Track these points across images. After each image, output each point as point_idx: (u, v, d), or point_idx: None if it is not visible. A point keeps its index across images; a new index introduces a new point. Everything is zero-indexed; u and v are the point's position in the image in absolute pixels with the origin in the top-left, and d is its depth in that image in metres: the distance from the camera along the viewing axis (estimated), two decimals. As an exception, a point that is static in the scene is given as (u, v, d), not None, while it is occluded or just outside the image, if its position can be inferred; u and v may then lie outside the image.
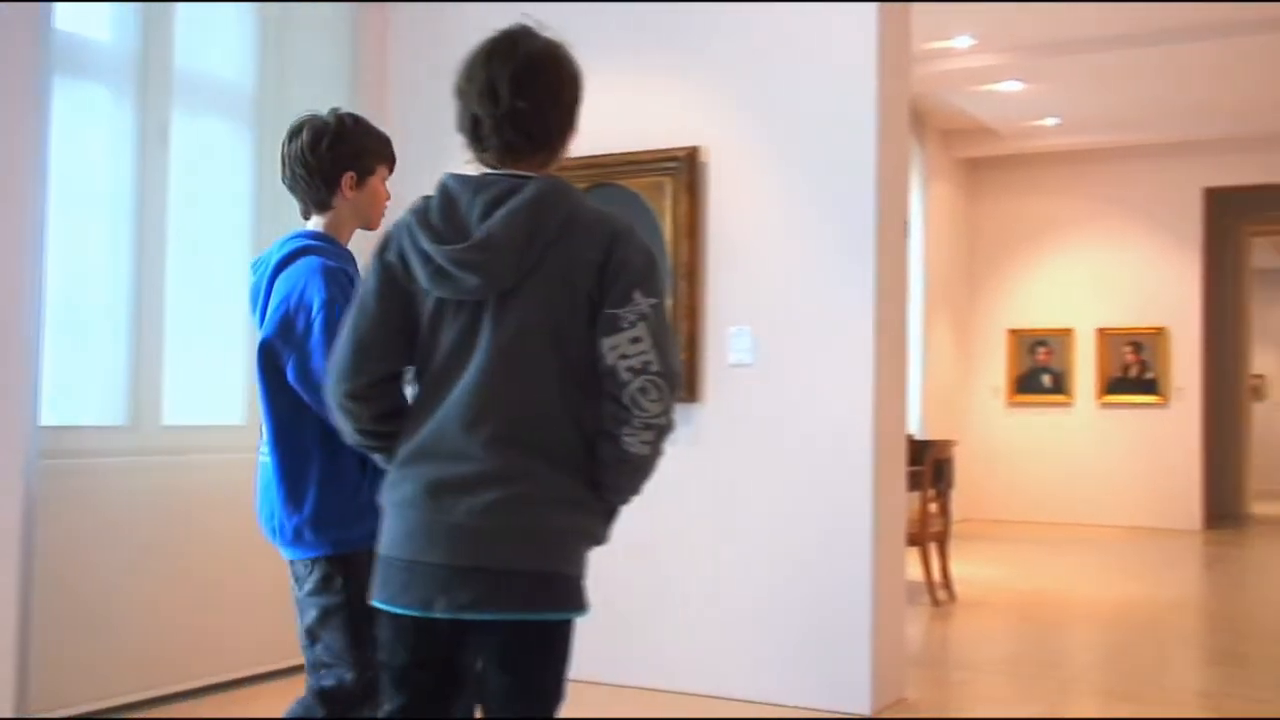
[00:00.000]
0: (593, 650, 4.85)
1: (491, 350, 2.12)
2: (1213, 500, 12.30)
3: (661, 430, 2.18)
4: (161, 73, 4.95)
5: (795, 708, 4.82)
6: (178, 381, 5.03)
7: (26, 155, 4.34)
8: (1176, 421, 11.78)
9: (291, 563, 2.82)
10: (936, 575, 7.38)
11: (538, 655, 2.19)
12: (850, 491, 4.83)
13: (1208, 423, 11.99)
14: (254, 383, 2.85)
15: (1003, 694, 5.39)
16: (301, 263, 2.81)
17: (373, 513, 2.41)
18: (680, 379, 2.21)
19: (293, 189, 2.96)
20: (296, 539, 2.76)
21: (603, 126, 5.38)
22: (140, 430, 4.87)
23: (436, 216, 2.18)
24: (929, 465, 7.10)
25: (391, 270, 2.20)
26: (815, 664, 4.86)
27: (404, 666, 2.21)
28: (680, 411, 5.25)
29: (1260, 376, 17.54)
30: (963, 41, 8.91)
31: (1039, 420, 12.29)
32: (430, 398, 2.17)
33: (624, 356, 2.11)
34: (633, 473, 2.20)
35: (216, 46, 5.30)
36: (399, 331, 2.19)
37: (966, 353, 12.50)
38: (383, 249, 2.22)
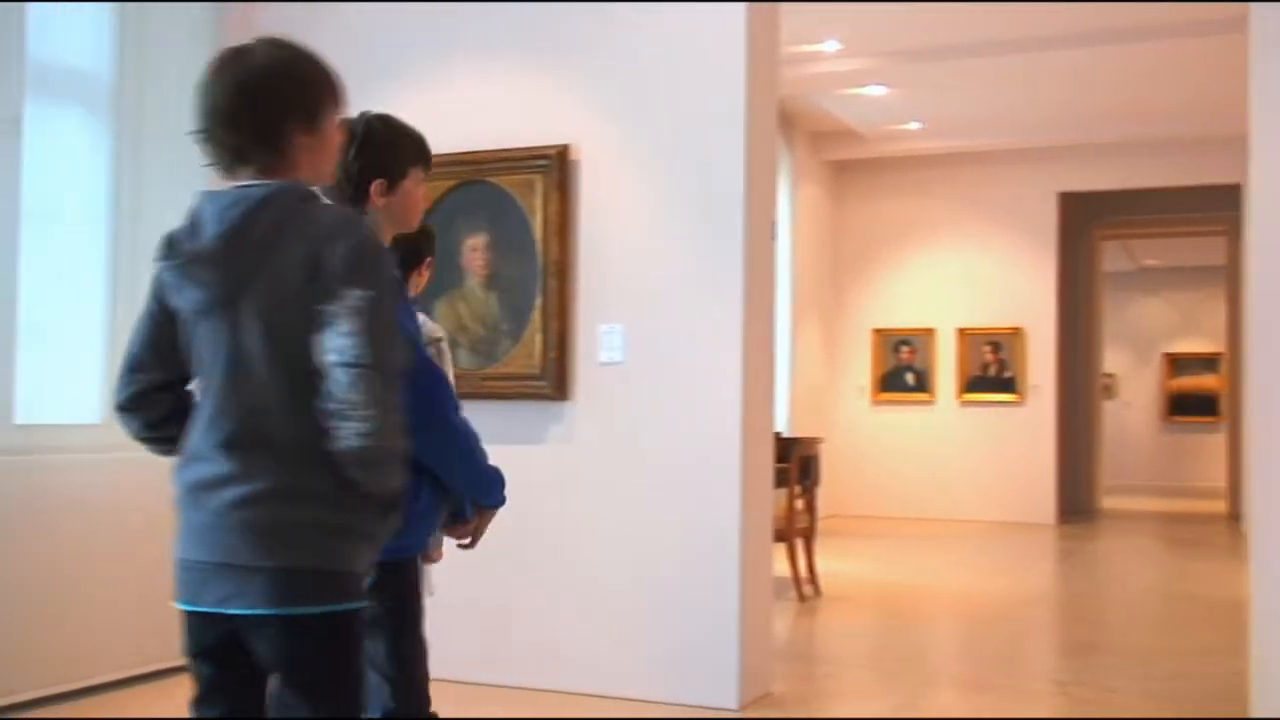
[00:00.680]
0: (461, 649, 4.83)
1: (226, 357, 2.21)
2: (1066, 495, 12.70)
3: (374, 422, 2.11)
4: (14, 63, 4.78)
5: (663, 703, 4.84)
6: (31, 380, 4.86)
7: None
8: (1033, 419, 12.13)
9: None
10: (803, 571, 7.49)
11: (305, 652, 2.19)
12: (718, 488, 4.87)
13: (1062, 420, 12.37)
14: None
15: (866, 687, 5.50)
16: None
17: (425, 521, 2.59)
18: (393, 373, 2.15)
19: (324, 195, 2.85)
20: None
21: (473, 123, 5.36)
22: (-10, 429, 4.71)
23: (183, 232, 2.25)
24: (796, 462, 7.19)
25: (160, 286, 2.29)
26: (683, 659, 4.89)
27: (193, 659, 2.27)
28: (551, 409, 5.27)
29: (1111, 375, 18.18)
30: (830, 45, 9.05)
31: (902, 418, 12.55)
32: (199, 405, 2.27)
33: (336, 351, 2.13)
34: (362, 466, 2.15)
35: (72, 40, 5.15)
36: (164, 345, 2.29)
37: (833, 352, 12.70)
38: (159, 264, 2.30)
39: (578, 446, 5.11)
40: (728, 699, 4.82)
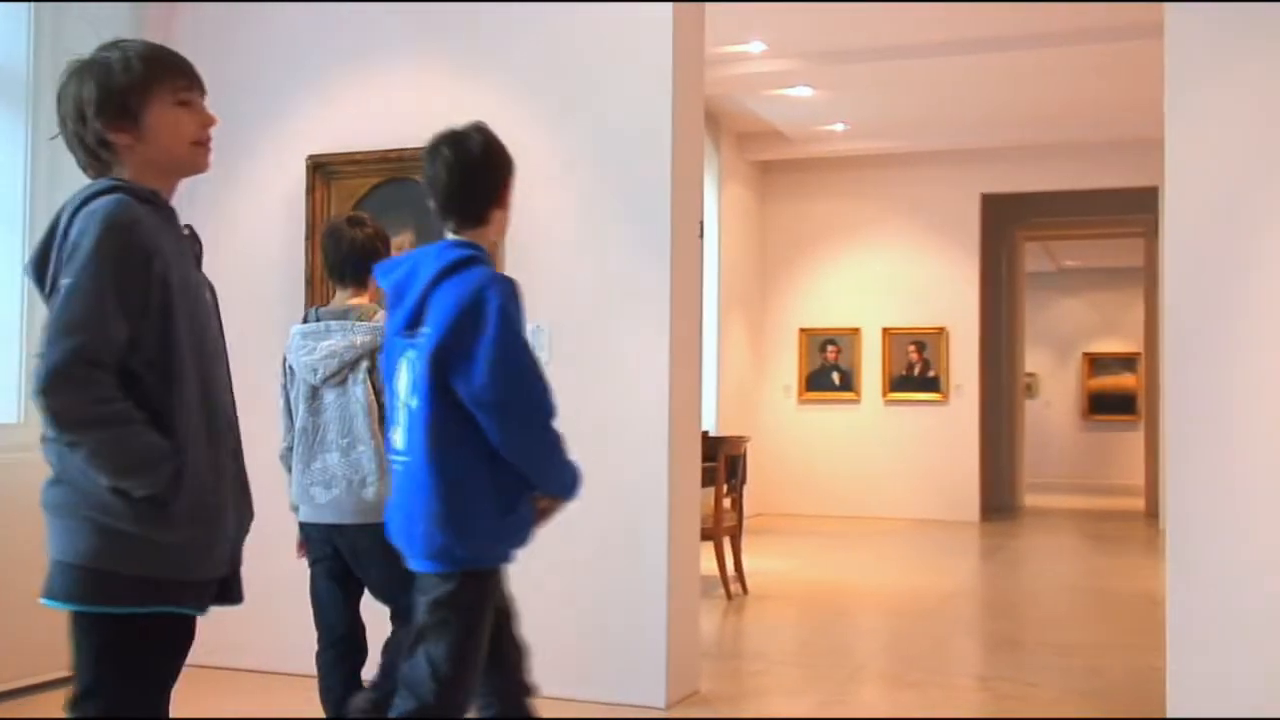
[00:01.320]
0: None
1: None
2: (989, 493, 12.86)
3: (57, 419, 2.10)
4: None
5: (590, 702, 4.84)
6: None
7: None
8: (956, 418, 12.26)
9: (425, 575, 2.81)
10: (730, 569, 7.52)
11: (71, 645, 2.25)
12: (645, 487, 4.87)
13: (984, 419, 12.52)
14: (411, 390, 2.83)
15: (793, 684, 5.53)
16: (472, 274, 2.79)
17: (517, 533, 2.72)
18: (57, 371, 2.08)
19: (443, 203, 2.91)
20: (442, 554, 2.76)
21: (399, 122, 5.32)
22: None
23: None
24: (723, 461, 7.22)
25: None
26: (610, 658, 4.89)
27: None
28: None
29: (1032, 375, 18.44)
30: (755, 46, 9.09)
31: (828, 417, 12.63)
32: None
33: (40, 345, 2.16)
34: (87, 463, 2.14)
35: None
36: None
37: (759, 351, 12.76)
38: None
39: (504, 446, 5.08)
40: (655, 697, 4.82)
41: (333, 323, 3.73)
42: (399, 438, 2.87)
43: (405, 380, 2.85)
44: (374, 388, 3.66)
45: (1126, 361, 18.85)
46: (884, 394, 12.47)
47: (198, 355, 2.29)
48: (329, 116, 5.48)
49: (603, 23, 5.06)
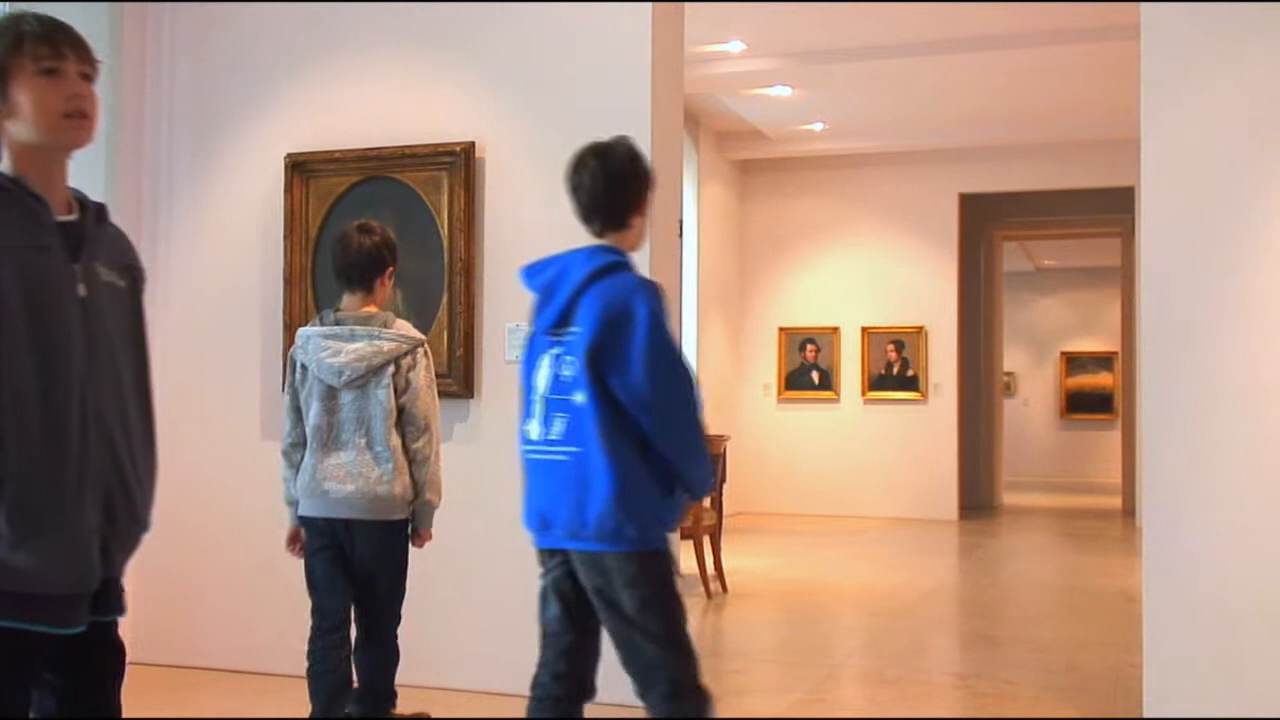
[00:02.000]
0: (366, 651, 4.77)
1: None
2: (967, 491, 12.90)
3: None
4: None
5: (571, 702, 4.83)
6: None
7: None
8: (935, 417, 12.30)
9: (593, 557, 2.96)
10: (709, 568, 7.53)
11: None
12: (626, 487, 4.87)
13: (963, 418, 12.56)
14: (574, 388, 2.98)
15: (772, 682, 5.54)
16: (621, 278, 3.00)
17: (674, 514, 2.93)
18: None
19: (592, 206, 3.10)
20: (617, 535, 2.91)
21: (378, 120, 5.32)
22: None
23: None
24: (702, 460, 7.22)
25: None
26: (591, 658, 4.88)
27: None
28: (458, 407, 5.24)
29: (1010, 374, 18.52)
30: (735, 46, 9.10)
31: (807, 416, 12.65)
32: None
33: None
34: None
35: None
36: None
37: (738, 350, 12.77)
38: None
39: (484, 444, 5.08)
40: (634, 695, 4.82)
41: (358, 328, 3.87)
42: (536, 429, 3.05)
43: (545, 375, 3.04)
44: (394, 391, 3.83)
45: (1103, 361, 18.95)
46: (863, 393, 12.50)
47: (40, 353, 2.13)
48: (307, 115, 5.46)
49: (581, 22, 5.06)
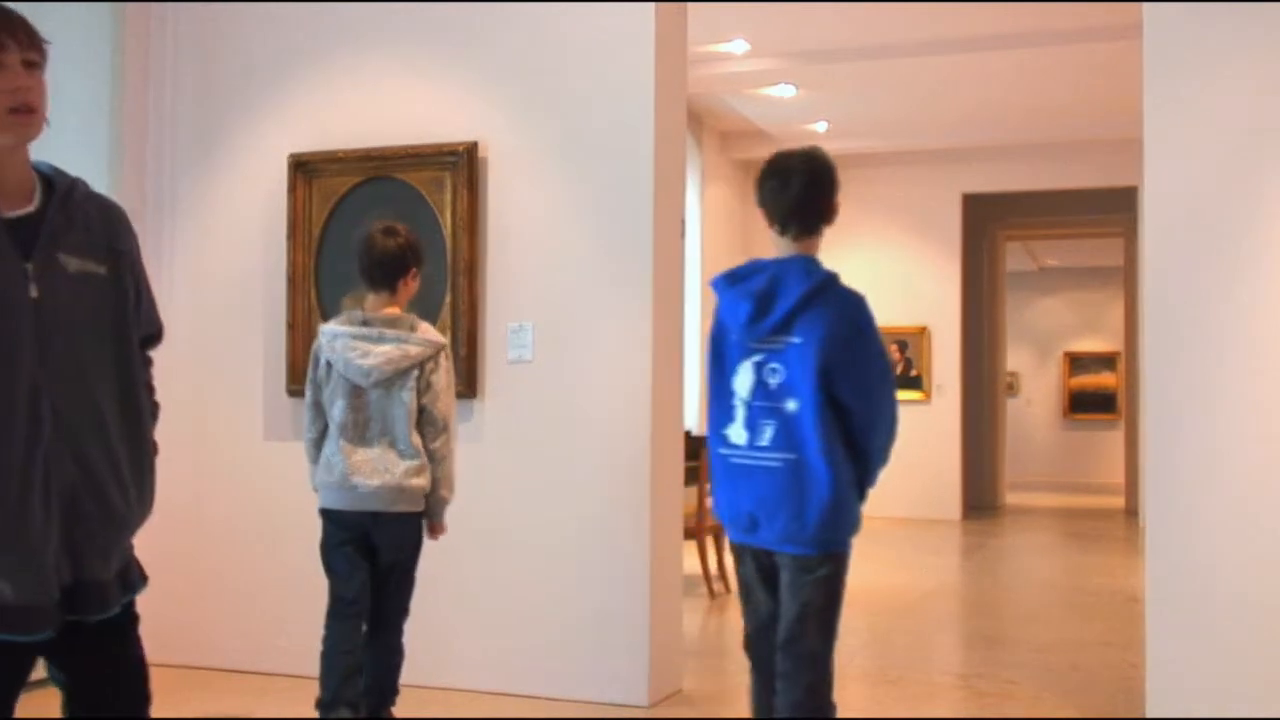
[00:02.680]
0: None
1: None
2: (970, 491, 12.90)
3: None
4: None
5: (573, 701, 4.84)
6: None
7: None
8: (938, 417, 12.29)
9: (797, 557, 3.13)
10: (713, 568, 7.53)
11: None
12: (628, 486, 4.88)
13: (966, 418, 12.56)
14: (794, 397, 3.11)
15: (775, 682, 5.53)
16: (844, 291, 3.18)
17: (860, 519, 3.16)
18: None
19: (793, 211, 3.28)
20: (830, 540, 3.13)
21: (381, 120, 5.32)
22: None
23: None
24: (705, 460, 7.23)
25: None
26: (593, 656, 4.90)
27: None
28: (461, 406, 5.24)
29: (1013, 374, 18.51)
30: (738, 46, 9.10)
31: (810, 416, 12.61)
32: None
33: None
34: None
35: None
36: None
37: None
38: None
39: (487, 444, 5.09)
40: (638, 696, 4.83)
41: (386, 331, 3.99)
42: (741, 435, 3.16)
43: (747, 381, 3.16)
44: (417, 393, 3.98)
45: (1106, 360, 18.94)
46: (866, 393, 12.44)
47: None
48: (310, 115, 5.47)
49: (585, 22, 5.07)
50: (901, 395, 12.86)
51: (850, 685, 5.54)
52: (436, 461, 4.04)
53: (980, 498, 13.48)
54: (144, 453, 2.30)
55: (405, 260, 4.08)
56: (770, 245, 3.36)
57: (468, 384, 5.06)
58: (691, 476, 6.81)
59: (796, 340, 3.09)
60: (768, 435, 3.11)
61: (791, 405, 3.08)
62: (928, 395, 12.31)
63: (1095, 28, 8.26)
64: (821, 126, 11.58)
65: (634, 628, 4.85)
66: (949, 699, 5.20)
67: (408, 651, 4.14)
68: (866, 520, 3.40)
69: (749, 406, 3.15)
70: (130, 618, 2.34)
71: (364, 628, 4.07)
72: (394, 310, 4.07)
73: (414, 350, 3.99)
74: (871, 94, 10.45)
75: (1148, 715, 4.46)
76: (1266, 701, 4.24)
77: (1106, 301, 18.59)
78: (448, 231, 5.12)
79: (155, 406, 2.42)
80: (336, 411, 4.02)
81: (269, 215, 5.49)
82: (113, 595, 2.26)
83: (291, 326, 5.35)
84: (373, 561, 4.06)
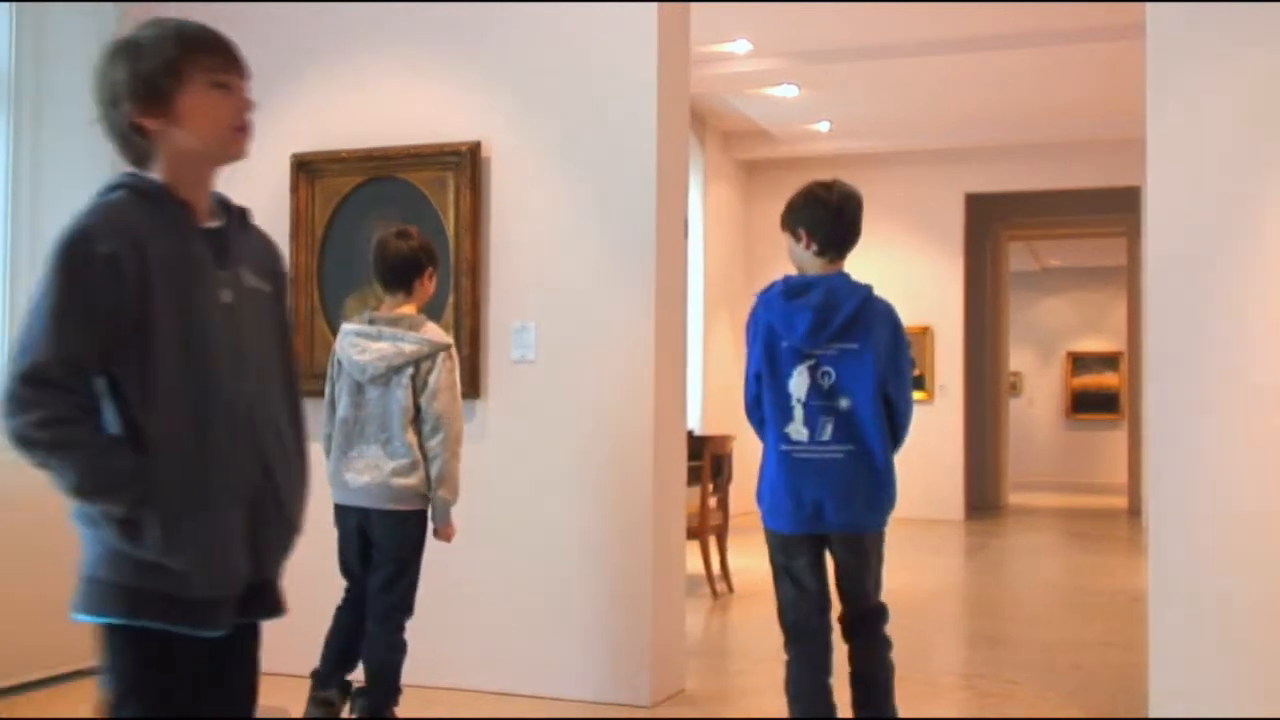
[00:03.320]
0: (372, 651, 4.78)
1: None
2: (973, 491, 12.89)
3: (11, 442, 2.06)
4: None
5: (575, 701, 4.84)
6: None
7: None
8: (941, 417, 12.29)
9: (854, 537, 3.68)
10: (715, 568, 7.53)
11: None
12: (631, 486, 4.88)
13: (969, 418, 12.55)
14: (846, 400, 3.57)
15: (778, 683, 5.50)
16: (883, 302, 3.71)
17: None
18: (6, 393, 2.03)
19: (845, 240, 3.80)
20: (881, 520, 3.71)
21: (384, 120, 5.32)
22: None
23: None
24: (708, 460, 7.23)
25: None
26: (596, 656, 4.90)
27: None
28: (464, 407, 5.24)
29: (1016, 374, 18.50)
30: (741, 46, 9.11)
31: (813, 416, 12.60)
32: None
33: None
34: (53, 483, 2.11)
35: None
36: None
37: (744, 350, 12.73)
38: None
39: (490, 444, 5.09)
40: (640, 696, 4.83)
41: (385, 328, 4.08)
42: (802, 431, 3.56)
43: (803, 384, 3.58)
44: (413, 391, 4.04)
45: (1109, 360, 18.93)
46: (868, 393, 12.45)
47: (189, 361, 2.14)
48: (313, 115, 5.47)
49: (587, 22, 5.07)
50: (904, 395, 12.87)
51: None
52: (430, 460, 4.07)
53: (983, 498, 13.47)
54: (305, 463, 2.40)
55: (419, 262, 4.16)
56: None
57: (470, 384, 5.06)
58: (694, 476, 6.80)
59: (853, 346, 3.56)
60: (828, 430, 3.54)
61: (844, 403, 3.54)
62: (930, 395, 12.30)
63: (1097, 27, 8.27)
64: (824, 126, 11.58)
65: (636, 628, 4.85)
66: (951, 699, 5.20)
67: (410, 651, 4.14)
68: (867, 521, 3.48)
69: (806, 406, 3.55)
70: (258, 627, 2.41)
71: (362, 618, 4.17)
72: (405, 310, 4.14)
73: (409, 348, 4.04)
74: (874, 94, 10.46)
75: (1150, 715, 4.45)
76: (1269, 702, 4.24)
77: (1109, 301, 18.58)
78: (450, 231, 5.12)
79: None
80: (340, 408, 4.13)
81: (272, 215, 5.48)
82: (282, 599, 2.36)
83: (294, 327, 5.36)
84: (370, 556, 4.17)
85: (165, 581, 2.12)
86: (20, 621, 4.85)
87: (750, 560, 8.72)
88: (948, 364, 12.33)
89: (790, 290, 3.64)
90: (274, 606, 2.34)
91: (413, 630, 4.15)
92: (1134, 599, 7.34)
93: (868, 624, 3.78)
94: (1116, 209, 12.89)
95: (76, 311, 2.05)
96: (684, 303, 5.30)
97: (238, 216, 2.35)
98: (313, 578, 4.16)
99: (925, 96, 10.46)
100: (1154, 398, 4.58)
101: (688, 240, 5.36)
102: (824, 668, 3.71)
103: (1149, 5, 4.59)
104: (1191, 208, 4.49)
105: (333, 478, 4.13)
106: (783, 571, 3.74)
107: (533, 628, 4.99)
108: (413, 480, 4.03)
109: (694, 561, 6.68)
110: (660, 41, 4.97)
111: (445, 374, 4.09)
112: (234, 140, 2.28)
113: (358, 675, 4.21)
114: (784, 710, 3.83)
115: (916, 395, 12.05)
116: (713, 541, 7.51)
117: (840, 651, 3.82)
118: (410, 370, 4.03)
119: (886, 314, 3.67)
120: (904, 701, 5.06)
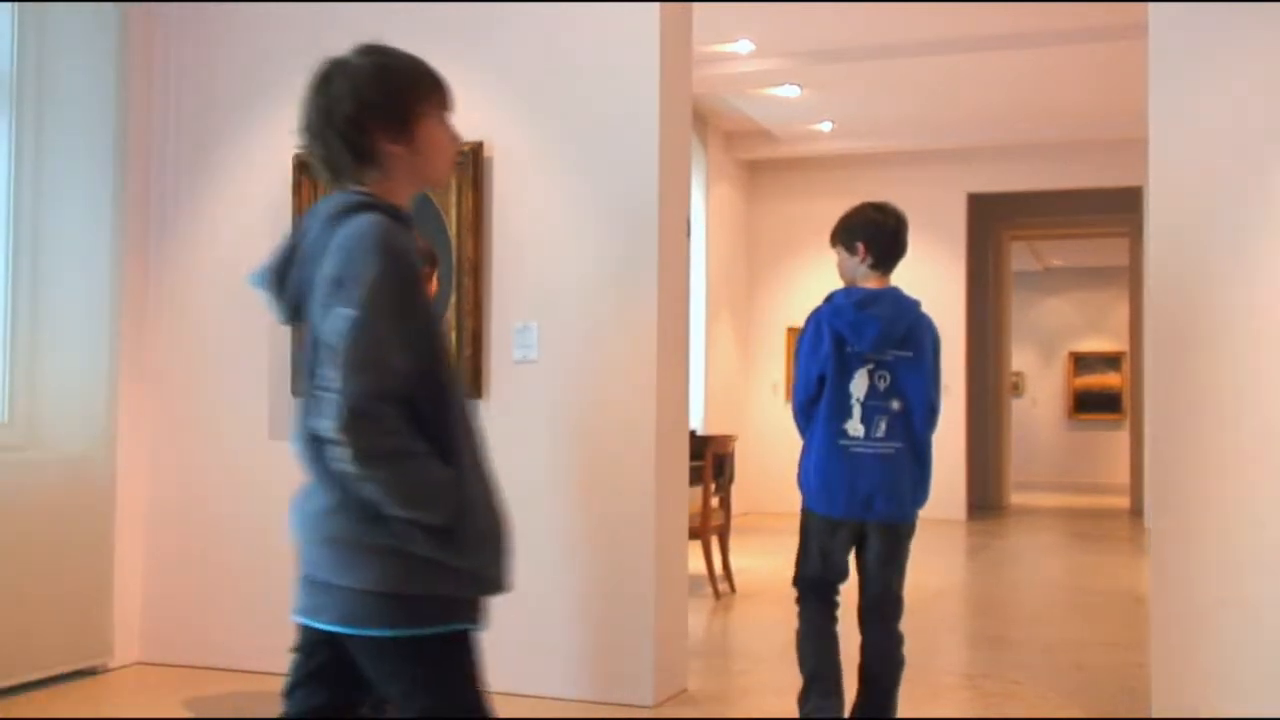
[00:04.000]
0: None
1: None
2: (975, 491, 12.88)
3: (359, 457, 2.09)
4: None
5: (578, 701, 4.85)
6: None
7: None
8: (943, 417, 12.12)
9: (894, 525, 4.11)
10: (717, 568, 7.53)
11: (380, 672, 2.22)
12: (633, 486, 4.88)
13: (971, 418, 12.55)
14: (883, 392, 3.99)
15: (781, 683, 5.53)
16: (928, 316, 4.10)
17: None
18: (354, 410, 2.07)
19: (895, 259, 4.16)
20: (917, 509, 4.15)
21: (385, 119, 5.32)
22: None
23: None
24: (710, 460, 7.23)
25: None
26: (598, 656, 4.90)
27: (294, 664, 2.36)
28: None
29: (1018, 374, 18.49)
30: (743, 46, 9.11)
31: (815, 416, 12.60)
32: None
33: (323, 371, 2.14)
34: (364, 488, 2.13)
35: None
36: None
37: (747, 350, 12.77)
38: None
39: (492, 444, 5.07)
40: (643, 696, 4.84)
41: None
42: (860, 429, 3.97)
43: (863, 385, 3.97)
44: None
45: (1111, 360, 18.91)
46: (870, 393, 12.45)
47: (453, 374, 2.29)
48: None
49: (590, 22, 5.07)
50: (906, 395, 12.84)
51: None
52: None
53: (985, 498, 13.47)
54: None
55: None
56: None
57: (473, 384, 5.06)
58: (696, 476, 6.80)
59: (908, 354, 3.97)
60: (882, 428, 3.96)
61: (896, 404, 3.96)
62: (932, 395, 12.26)
63: (1100, 28, 8.26)
64: (826, 126, 11.59)
65: (639, 628, 4.85)
66: (954, 699, 5.20)
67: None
68: (871, 520, 3.48)
69: (864, 406, 3.96)
70: None
71: None
72: None
73: None
74: (876, 94, 10.46)
75: (1153, 715, 4.46)
76: (1271, 702, 4.24)
77: (1111, 301, 18.57)
78: (453, 231, 5.13)
79: None
80: None
81: (273, 215, 5.50)
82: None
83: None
84: None
85: (466, 586, 2.24)
86: (21, 621, 4.86)
87: (752, 560, 8.73)
88: (950, 364, 12.17)
89: (860, 303, 3.98)
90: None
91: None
92: (1136, 599, 7.34)
93: (884, 612, 4.10)
94: (1118, 209, 12.89)
95: (399, 328, 2.13)
96: (686, 302, 5.30)
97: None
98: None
99: (927, 97, 10.46)
100: (1156, 398, 4.58)
101: (690, 240, 5.36)
102: (832, 618, 4.15)
103: (1151, 5, 4.59)
104: (1194, 208, 4.49)
105: None
106: (815, 548, 4.11)
107: (535, 627, 4.99)
108: None
109: (696, 562, 6.68)
110: (662, 42, 4.98)
111: None
112: (450, 169, 2.48)
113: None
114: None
115: (919, 395, 12.20)
116: (715, 541, 7.51)
117: (850, 645, 3.87)
118: None
119: (929, 327, 4.06)
120: (905, 701, 5.06)
